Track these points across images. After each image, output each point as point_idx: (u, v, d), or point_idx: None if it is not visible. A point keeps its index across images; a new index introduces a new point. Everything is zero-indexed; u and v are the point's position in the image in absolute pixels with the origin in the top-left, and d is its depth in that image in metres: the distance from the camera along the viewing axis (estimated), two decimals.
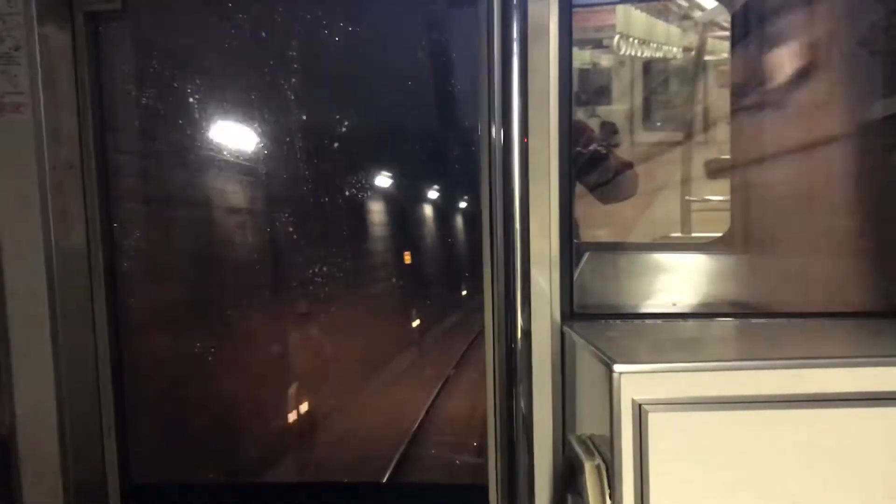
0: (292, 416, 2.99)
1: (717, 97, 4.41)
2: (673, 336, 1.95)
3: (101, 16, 2.37)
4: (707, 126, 4.41)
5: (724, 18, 3.95)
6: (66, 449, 2.23)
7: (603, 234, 3.19)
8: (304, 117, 2.75)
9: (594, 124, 4.27)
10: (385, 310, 3.31)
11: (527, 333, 1.90)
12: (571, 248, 2.01)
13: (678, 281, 2.29)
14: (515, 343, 1.89)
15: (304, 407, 3.01)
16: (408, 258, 3.36)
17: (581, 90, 4.75)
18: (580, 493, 1.62)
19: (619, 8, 4.78)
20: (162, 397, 2.77)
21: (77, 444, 2.28)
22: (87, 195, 2.36)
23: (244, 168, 2.83)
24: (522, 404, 1.89)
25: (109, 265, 2.45)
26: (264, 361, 3.00)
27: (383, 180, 3.13)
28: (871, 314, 2.09)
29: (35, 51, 2.11)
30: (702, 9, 4.64)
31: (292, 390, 2.99)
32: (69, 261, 2.28)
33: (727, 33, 2.99)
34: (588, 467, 1.58)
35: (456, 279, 3.17)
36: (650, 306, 2.25)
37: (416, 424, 3.12)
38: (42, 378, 2.19)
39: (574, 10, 1.98)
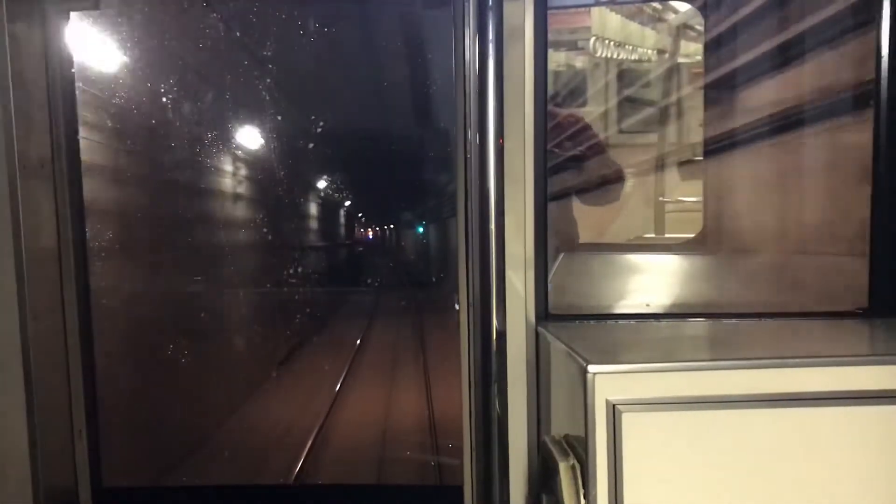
0: None
1: (691, 99, 4.45)
2: (646, 336, 1.96)
3: (73, 15, 2.34)
4: (680, 128, 4.45)
5: (697, 21, 3.99)
6: (36, 451, 2.20)
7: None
8: (279, 117, 2.75)
9: None
10: None
11: (502, 334, 1.90)
12: (546, 249, 2.01)
13: (651, 282, 2.30)
14: (490, 344, 1.89)
15: None
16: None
17: (556, 92, 4.77)
18: (555, 493, 1.63)
19: (595, 11, 4.81)
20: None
21: (48, 447, 2.24)
22: (58, 194, 2.33)
23: (221, 171, 2.82)
24: (497, 405, 1.89)
25: (81, 265, 2.42)
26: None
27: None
28: (841, 314, 2.11)
29: (6, 49, 2.07)
30: (675, 11, 4.68)
31: None
32: (40, 261, 2.25)
33: (700, 36, 3.02)
34: (562, 467, 1.58)
35: None
36: (624, 307, 2.26)
37: None
38: (12, 380, 2.15)
39: (549, 11, 1.98)
